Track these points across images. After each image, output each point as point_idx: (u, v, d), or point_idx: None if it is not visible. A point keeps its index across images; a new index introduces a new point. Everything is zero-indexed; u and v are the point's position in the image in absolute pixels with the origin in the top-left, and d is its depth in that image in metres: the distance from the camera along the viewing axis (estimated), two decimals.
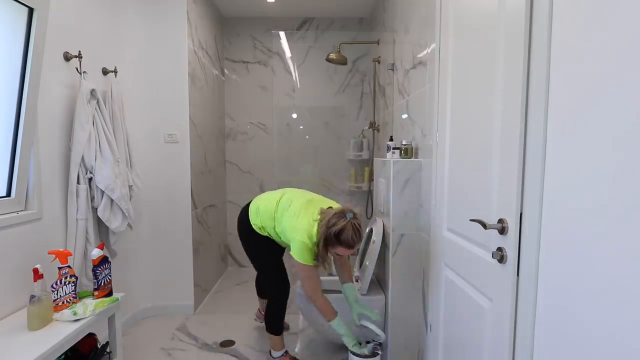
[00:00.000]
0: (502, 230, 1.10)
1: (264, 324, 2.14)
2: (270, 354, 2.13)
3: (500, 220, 1.11)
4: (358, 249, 2.24)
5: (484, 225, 1.15)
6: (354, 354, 1.89)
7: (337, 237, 1.71)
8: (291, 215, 1.86)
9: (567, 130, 0.84)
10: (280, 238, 1.96)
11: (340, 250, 1.75)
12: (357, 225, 1.73)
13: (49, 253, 1.61)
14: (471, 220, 1.24)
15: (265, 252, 2.04)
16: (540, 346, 0.95)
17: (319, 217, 1.78)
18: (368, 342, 1.95)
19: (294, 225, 1.82)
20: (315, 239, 1.78)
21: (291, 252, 1.84)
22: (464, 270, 1.40)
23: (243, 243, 2.10)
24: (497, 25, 1.14)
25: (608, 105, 0.72)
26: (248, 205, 2.10)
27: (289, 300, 2.09)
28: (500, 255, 1.10)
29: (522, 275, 1.02)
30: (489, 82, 1.19)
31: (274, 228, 1.94)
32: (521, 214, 1.02)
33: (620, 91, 0.69)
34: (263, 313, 2.37)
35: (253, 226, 2.01)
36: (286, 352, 2.13)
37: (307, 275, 1.84)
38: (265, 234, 2.00)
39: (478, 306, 1.27)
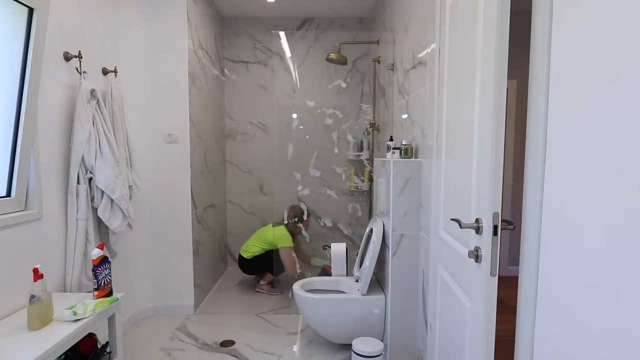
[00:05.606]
0: (478, 230, 1.10)
1: (266, 293, 3.24)
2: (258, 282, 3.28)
3: (477, 220, 1.11)
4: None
5: (460, 224, 1.15)
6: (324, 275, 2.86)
7: (300, 217, 3.16)
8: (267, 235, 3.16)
9: (566, 131, 0.84)
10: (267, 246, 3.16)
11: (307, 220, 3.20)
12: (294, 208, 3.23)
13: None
14: (451, 219, 1.25)
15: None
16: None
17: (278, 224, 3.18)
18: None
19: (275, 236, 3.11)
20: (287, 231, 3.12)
21: (279, 245, 3.04)
22: (453, 269, 1.40)
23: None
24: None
25: (608, 105, 0.72)
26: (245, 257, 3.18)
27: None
28: (475, 255, 1.10)
29: (522, 277, 1.02)
30: (472, 82, 1.20)
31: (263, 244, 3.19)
32: (497, 214, 1.02)
33: (620, 91, 0.69)
34: (262, 284, 3.30)
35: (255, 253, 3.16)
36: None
37: (288, 254, 3.02)
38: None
39: (462, 305, 1.28)
